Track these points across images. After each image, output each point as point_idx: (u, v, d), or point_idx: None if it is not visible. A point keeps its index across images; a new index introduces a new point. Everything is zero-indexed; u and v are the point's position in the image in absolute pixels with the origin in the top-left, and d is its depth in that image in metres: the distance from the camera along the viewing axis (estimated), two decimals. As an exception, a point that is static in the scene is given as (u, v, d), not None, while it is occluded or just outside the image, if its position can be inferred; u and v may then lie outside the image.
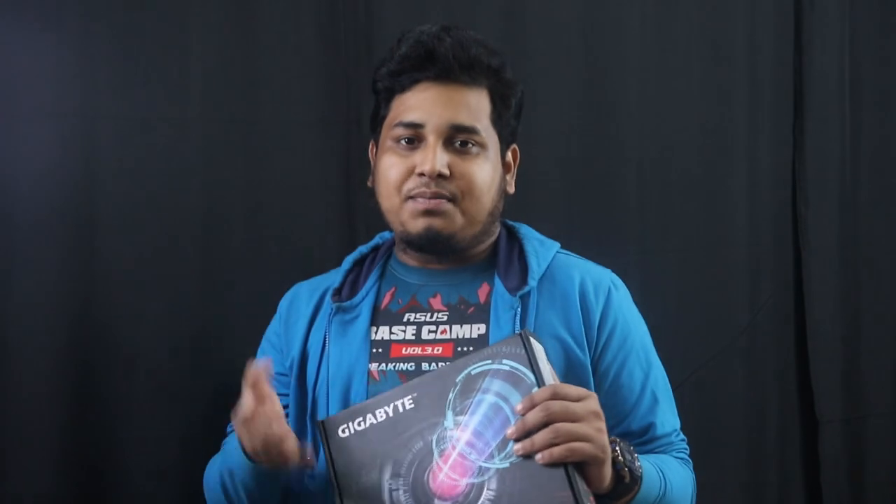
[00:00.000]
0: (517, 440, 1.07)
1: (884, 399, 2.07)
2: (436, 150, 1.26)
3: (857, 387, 2.04)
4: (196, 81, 1.57)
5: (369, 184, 1.37)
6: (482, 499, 1.07)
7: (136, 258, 1.52)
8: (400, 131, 1.29)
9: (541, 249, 1.36)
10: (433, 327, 1.30)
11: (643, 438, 1.30)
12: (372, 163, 1.38)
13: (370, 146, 1.39)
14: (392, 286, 1.36)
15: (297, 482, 1.28)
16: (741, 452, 1.96)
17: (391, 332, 1.31)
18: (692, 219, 1.92)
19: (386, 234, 1.44)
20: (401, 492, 1.10)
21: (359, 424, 1.13)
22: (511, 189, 1.38)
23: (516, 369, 1.08)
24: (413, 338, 1.30)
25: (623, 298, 1.36)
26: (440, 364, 1.26)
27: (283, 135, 1.63)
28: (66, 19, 1.49)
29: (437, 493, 1.09)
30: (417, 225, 1.28)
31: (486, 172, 1.30)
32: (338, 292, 1.35)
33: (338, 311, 1.33)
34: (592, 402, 1.10)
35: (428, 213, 1.27)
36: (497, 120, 1.32)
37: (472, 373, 1.10)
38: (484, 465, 1.08)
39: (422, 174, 1.26)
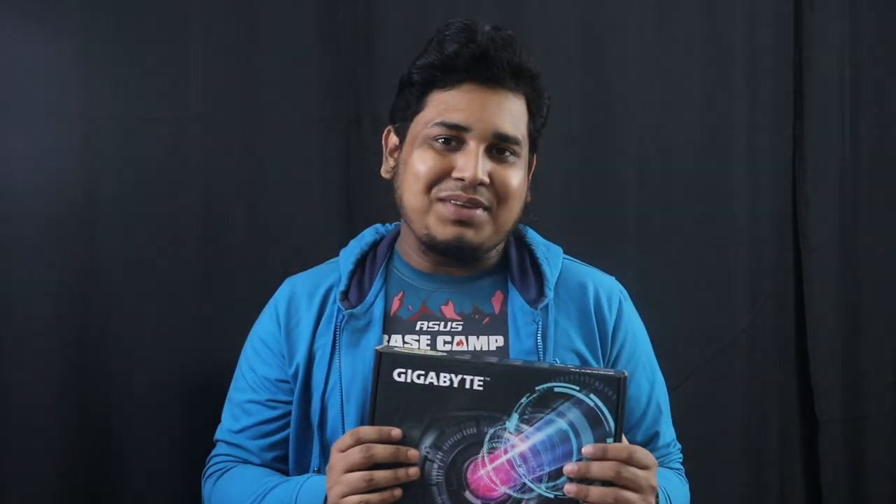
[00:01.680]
0: (572, 479, 1.05)
1: (884, 399, 2.07)
2: (479, 156, 1.21)
3: (857, 387, 2.04)
4: (196, 81, 1.57)
5: (384, 174, 1.33)
6: None
7: (136, 258, 1.52)
8: (440, 130, 1.23)
9: (550, 256, 1.34)
10: (448, 338, 1.27)
11: (647, 448, 1.30)
12: (385, 152, 1.33)
13: (386, 134, 1.33)
14: (399, 290, 1.32)
15: None
16: (741, 452, 1.96)
17: (404, 342, 1.27)
18: (692, 219, 1.92)
19: (381, 228, 1.40)
20: (436, 465, 1.07)
21: (419, 377, 1.07)
22: (529, 198, 1.34)
23: (599, 409, 1.05)
24: (428, 348, 1.27)
25: (631, 310, 1.36)
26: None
27: (283, 135, 1.63)
28: (66, 19, 1.49)
29: (471, 486, 1.07)
30: (447, 232, 1.24)
31: (520, 181, 1.27)
32: (345, 296, 1.30)
33: (349, 318, 1.28)
34: (653, 476, 1.09)
35: (460, 222, 1.23)
36: (532, 129, 1.29)
37: (556, 390, 1.06)
38: (530, 484, 1.06)
39: (460, 179, 1.22)
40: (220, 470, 1.35)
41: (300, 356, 1.30)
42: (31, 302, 1.46)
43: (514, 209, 1.27)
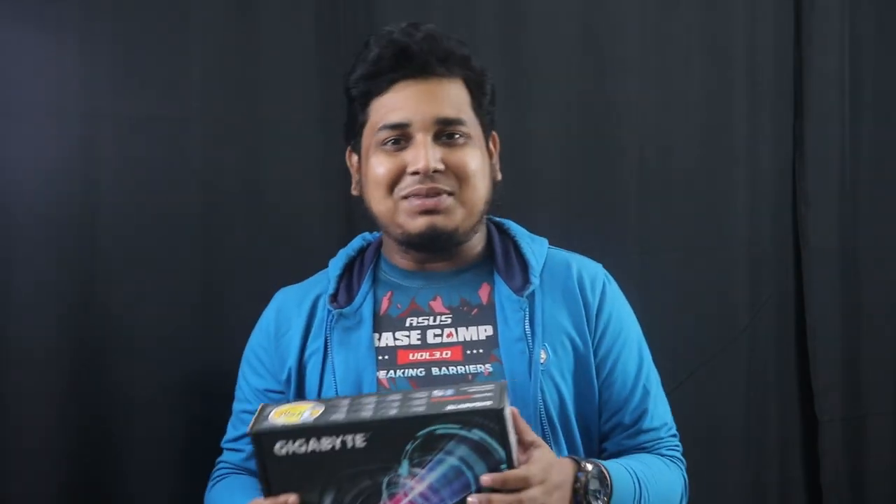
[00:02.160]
0: None
1: (884, 398, 2.07)
2: (426, 146, 1.24)
3: (857, 386, 2.04)
4: (196, 81, 1.57)
5: (354, 192, 1.36)
6: None
7: (136, 258, 1.52)
8: (386, 133, 1.26)
9: (534, 245, 1.35)
10: (438, 331, 1.29)
11: (633, 430, 1.31)
12: (352, 171, 1.36)
13: (347, 154, 1.37)
14: (388, 290, 1.34)
15: None
16: (741, 452, 1.96)
17: (395, 338, 1.29)
18: (692, 218, 1.92)
19: (368, 236, 1.43)
20: None
21: (300, 446, 1.06)
22: (498, 176, 1.36)
23: (486, 442, 1.05)
24: (419, 342, 1.29)
25: (616, 292, 1.36)
26: (451, 369, 1.26)
27: (283, 135, 1.63)
28: (66, 19, 1.49)
29: None
30: (417, 224, 1.26)
31: (478, 160, 1.29)
32: (334, 298, 1.32)
33: (339, 317, 1.30)
34: (559, 497, 1.10)
35: (428, 212, 1.25)
36: (478, 108, 1.31)
37: (437, 432, 1.05)
38: None
39: (415, 172, 1.24)
40: (218, 477, 1.39)
41: (291, 361, 1.32)
42: (31, 301, 1.46)
43: (478, 188, 1.28)
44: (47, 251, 1.47)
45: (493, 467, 1.06)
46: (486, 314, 1.30)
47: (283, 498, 1.07)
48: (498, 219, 1.40)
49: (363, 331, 1.29)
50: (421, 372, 1.26)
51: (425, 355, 1.28)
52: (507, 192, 1.50)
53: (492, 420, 1.05)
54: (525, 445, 1.11)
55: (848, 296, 2.04)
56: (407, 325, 1.30)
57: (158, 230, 1.54)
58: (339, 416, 1.07)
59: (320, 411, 1.09)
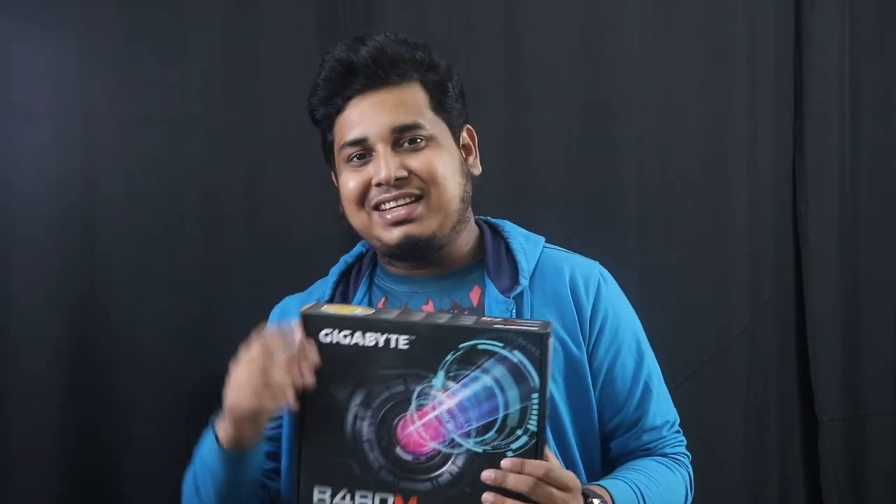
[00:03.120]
0: (490, 487, 1.06)
1: (884, 399, 2.07)
2: (385, 156, 1.25)
3: (857, 386, 2.04)
4: (196, 81, 1.57)
5: (339, 209, 1.36)
6: (444, 469, 1.07)
7: (136, 258, 1.53)
8: (348, 151, 1.28)
9: (527, 246, 1.34)
10: None
11: (636, 430, 1.30)
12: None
13: (332, 176, 1.37)
14: (382, 296, 1.34)
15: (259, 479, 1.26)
16: (741, 452, 1.96)
17: None
18: (692, 219, 1.92)
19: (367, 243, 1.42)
20: (366, 423, 1.09)
21: (345, 337, 1.09)
22: (477, 171, 1.35)
23: (524, 365, 1.06)
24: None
25: (612, 291, 1.35)
26: None
27: (283, 135, 1.63)
28: (66, 19, 1.49)
29: (401, 443, 1.09)
30: (393, 236, 1.26)
31: (443, 159, 1.28)
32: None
33: None
34: (574, 499, 1.09)
35: (400, 223, 1.26)
36: (438, 107, 1.30)
37: (479, 347, 1.07)
38: (458, 439, 1.07)
39: (379, 184, 1.25)
40: None
41: None
42: (31, 300, 1.46)
43: (448, 188, 1.28)
44: (47, 251, 1.47)
45: (525, 395, 1.06)
46: (475, 316, 1.29)
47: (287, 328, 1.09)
48: (495, 220, 1.39)
49: None
50: None
51: None
52: (507, 192, 1.51)
53: (534, 344, 1.06)
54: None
55: (848, 296, 2.04)
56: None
57: (158, 230, 1.54)
58: (389, 316, 1.10)
59: (370, 312, 1.12)
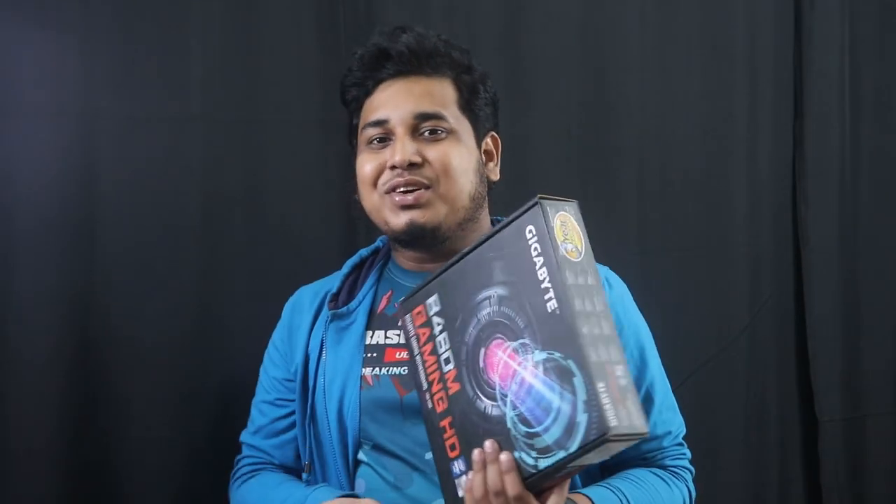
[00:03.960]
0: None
1: (884, 399, 2.07)
2: (403, 140, 1.27)
3: (857, 386, 2.04)
4: (196, 81, 1.57)
5: (355, 195, 1.38)
6: (485, 403, 1.09)
7: (136, 258, 1.52)
8: (369, 132, 1.30)
9: None
10: None
11: None
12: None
13: (353, 158, 1.38)
14: (389, 289, 1.36)
15: None
16: (741, 452, 1.96)
17: (386, 337, 1.32)
18: (692, 218, 1.92)
19: (386, 238, 1.43)
20: (484, 311, 1.10)
21: (541, 257, 1.07)
22: (494, 176, 1.38)
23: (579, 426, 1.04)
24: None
25: (617, 296, 1.35)
26: None
27: (283, 135, 1.63)
28: (66, 19, 1.49)
29: (486, 354, 1.10)
30: (400, 220, 1.28)
31: (461, 154, 1.30)
32: (335, 298, 1.36)
33: (333, 318, 1.33)
34: None
35: (407, 207, 1.28)
36: (466, 106, 1.32)
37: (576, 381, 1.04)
38: (508, 400, 1.07)
39: (394, 167, 1.27)
40: (245, 474, 1.39)
41: (298, 357, 1.36)
42: (31, 301, 1.46)
43: (459, 182, 1.29)
44: (47, 251, 1.47)
45: (561, 443, 1.03)
46: None
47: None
48: (502, 219, 1.39)
49: (354, 329, 1.33)
50: (404, 370, 1.28)
51: None
52: (507, 192, 1.51)
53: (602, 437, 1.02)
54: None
55: (848, 296, 2.04)
56: (399, 324, 1.30)
57: (158, 230, 1.54)
58: (576, 280, 1.06)
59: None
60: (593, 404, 1.01)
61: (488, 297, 1.11)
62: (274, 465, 1.39)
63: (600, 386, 1.02)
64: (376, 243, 1.44)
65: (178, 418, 1.55)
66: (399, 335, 1.30)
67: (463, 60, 1.34)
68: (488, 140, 1.37)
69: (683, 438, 1.37)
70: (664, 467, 1.32)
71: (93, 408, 1.50)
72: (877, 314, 2.06)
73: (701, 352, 1.92)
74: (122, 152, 1.53)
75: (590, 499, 1.18)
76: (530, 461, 1.06)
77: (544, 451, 1.05)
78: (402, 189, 1.28)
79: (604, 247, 1.74)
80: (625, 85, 1.87)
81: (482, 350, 1.10)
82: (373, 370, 1.29)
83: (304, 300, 1.40)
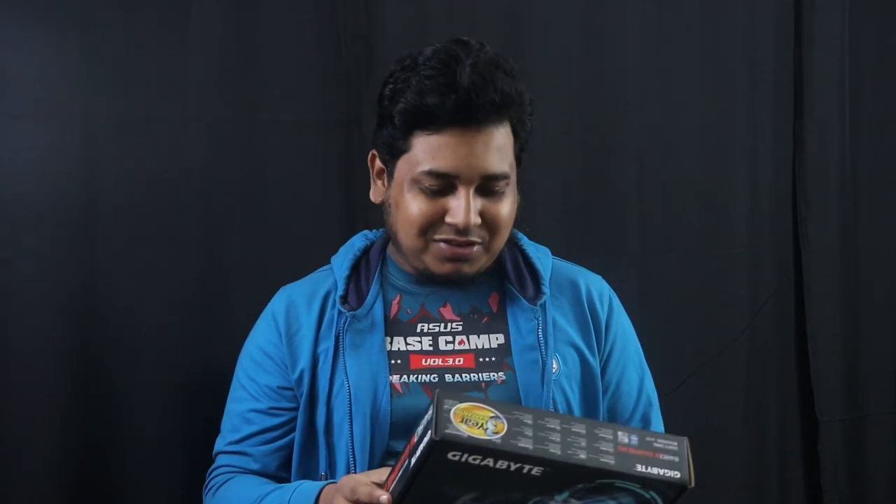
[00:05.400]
0: None
1: (884, 399, 2.07)
2: (469, 201, 1.21)
3: (857, 387, 2.04)
4: (196, 81, 1.57)
5: (374, 199, 1.32)
6: None
7: (136, 258, 1.52)
8: (430, 180, 1.21)
9: (541, 255, 1.35)
10: (450, 338, 1.29)
11: None
12: (372, 175, 1.32)
13: (371, 158, 1.32)
14: (396, 294, 1.33)
15: None
16: (741, 452, 1.96)
17: (407, 343, 1.29)
18: (692, 218, 1.92)
19: (369, 234, 1.40)
20: None
21: (474, 460, 0.98)
22: (518, 199, 1.33)
23: (655, 501, 1.02)
24: (431, 348, 1.28)
25: (619, 306, 1.38)
26: (464, 376, 1.26)
27: (283, 135, 1.63)
28: (66, 19, 1.49)
29: None
30: (444, 268, 1.26)
31: (511, 206, 1.27)
32: (345, 300, 1.30)
33: (352, 320, 1.28)
34: None
35: (457, 259, 1.25)
36: (518, 150, 1.28)
37: (616, 484, 1.00)
38: None
39: (453, 224, 1.22)
40: (218, 483, 1.35)
41: (304, 362, 1.30)
42: (31, 301, 1.46)
43: (505, 234, 1.28)
44: (47, 251, 1.47)
45: None
46: (497, 322, 1.30)
47: (378, 493, 1.04)
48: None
49: (376, 334, 1.28)
50: (434, 378, 1.26)
51: (438, 361, 1.27)
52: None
53: (674, 490, 1.02)
54: None
55: (848, 296, 2.04)
56: (418, 330, 1.30)
57: (158, 230, 1.54)
58: (527, 444, 0.99)
59: (504, 427, 1.00)
60: (652, 483, 1.00)
61: None
62: (253, 472, 1.33)
63: (638, 469, 1.00)
64: (360, 241, 1.38)
65: (178, 417, 1.55)
66: (420, 342, 1.28)
67: (522, 95, 1.25)
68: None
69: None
70: None
71: (93, 407, 1.50)
72: (877, 314, 2.06)
73: (701, 352, 1.92)
74: (122, 152, 1.53)
75: None
76: None
77: None
78: (455, 244, 1.24)
79: (604, 247, 1.75)
80: (625, 85, 1.87)
81: None
82: (400, 377, 1.26)
83: (299, 301, 1.33)
